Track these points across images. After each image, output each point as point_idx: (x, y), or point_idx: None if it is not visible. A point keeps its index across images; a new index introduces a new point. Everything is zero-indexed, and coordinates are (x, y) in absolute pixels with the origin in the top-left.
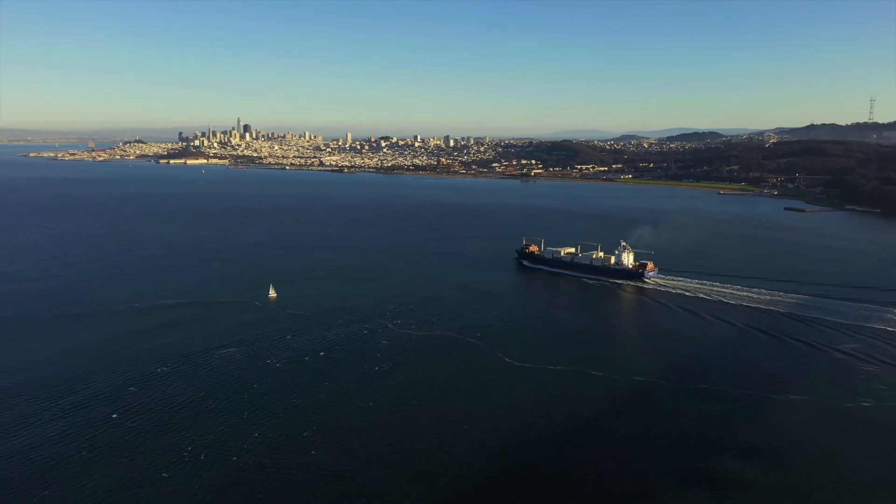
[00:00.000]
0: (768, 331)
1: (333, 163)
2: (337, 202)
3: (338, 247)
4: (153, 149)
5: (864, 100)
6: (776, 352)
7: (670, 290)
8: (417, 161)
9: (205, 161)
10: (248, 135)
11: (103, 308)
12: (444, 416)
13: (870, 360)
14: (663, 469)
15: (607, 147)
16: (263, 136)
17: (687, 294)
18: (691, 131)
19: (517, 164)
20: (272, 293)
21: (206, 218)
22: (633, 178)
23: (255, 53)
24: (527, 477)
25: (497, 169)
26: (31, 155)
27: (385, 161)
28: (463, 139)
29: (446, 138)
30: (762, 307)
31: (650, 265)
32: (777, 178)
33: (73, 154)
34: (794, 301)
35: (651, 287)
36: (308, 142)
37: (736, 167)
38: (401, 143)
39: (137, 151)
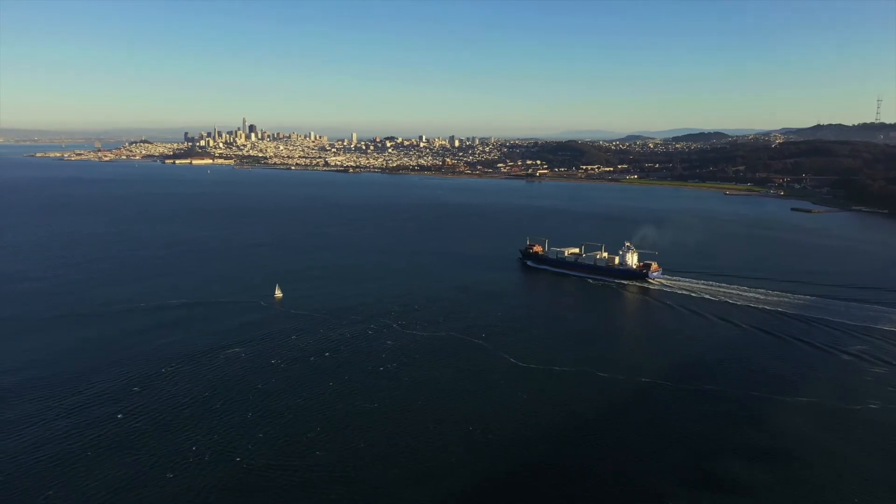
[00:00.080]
0: (773, 332)
1: (338, 163)
2: (342, 202)
3: (342, 246)
4: (159, 149)
5: (870, 100)
6: (781, 353)
7: (674, 290)
8: (422, 161)
9: (210, 161)
10: (253, 135)
11: (108, 308)
12: (448, 416)
13: (877, 362)
14: (668, 470)
15: (613, 147)
16: (269, 136)
17: (691, 295)
18: (697, 132)
19: (522, 165)
20: (278, 293)
21: (210, 217)
22: (639, 178)
23: (261, 54)
24: (531, 478)
25: (502, 169)
26: (38, 155)
27: (390, 161)
28: (468, 139)
29: (451, 139)
30: (768, 308)
31: (654, 265)
32: (783, 179)
33: (80, 154)
34: (800, 302)
35: (655, 287)
36: (313, 142)
37: (742, 167)
38: (406, 143)
39: (143, 151)
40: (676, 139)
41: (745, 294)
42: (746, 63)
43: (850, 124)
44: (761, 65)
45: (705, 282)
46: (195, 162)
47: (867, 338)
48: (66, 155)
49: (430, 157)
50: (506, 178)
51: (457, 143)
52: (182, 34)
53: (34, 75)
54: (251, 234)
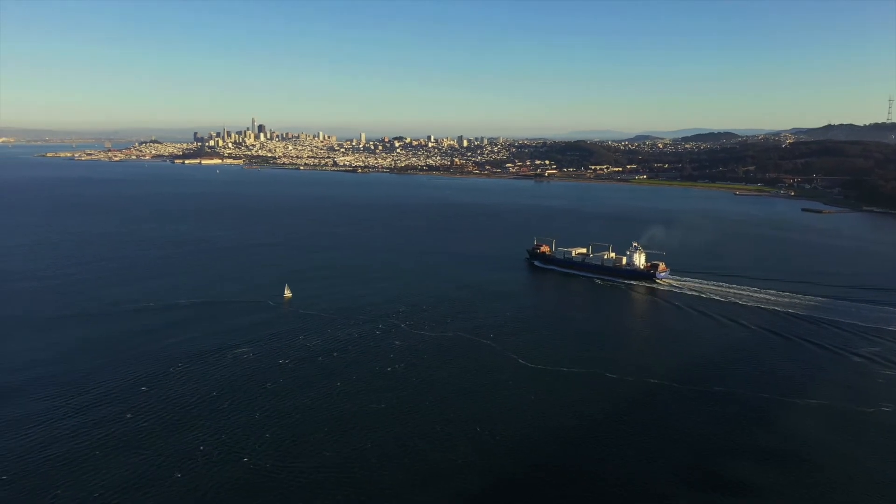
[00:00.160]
0: (783, 333)
1: (347, 163)
2: (350, 202)
3: (351, 246)
4: (168, 149)
5: (881, 100)
6: (791, 355)
7: (683, 291)
8: (431, 161)
9: (219, 161)
10: (262, 135)
11: (116, 307)
12: (456, 417)
13: (889, 365)
14: (677, 472)
15: (622, 147)
16: (278, 136)
17: (700, 295)
18: (706, 131)
19: (531, 165)
20: (287, 293)
21: (219, 217)
22: (648, 178)
23: (271, 54)
24: (540, 479)
25: (511, 169)
26: (49, 155)
27: (399, 161)
28: (476, 139)
29: (460, 139)
30: (777, 309)
31: (662, 266)
32: (794, 179)
33: (90, 154)
34: (810, 303)
35: (663, 288)
36: (322, 142)
37: (752, 168)
38: (414, 143)
39: (153, 151)
40: (686, 139)
41: (755, 295)
42: (756, 63)
43: (862, 124)
44: (771, 64)
45: (714, 282)
46: (204, 162)
47: (878, 340)
48: (76, 155)
49: (438, 157)
50: (514, 179)
51: (465, 143)
52: (193, 34)
53: (45, 75)
54: (260, 234)
